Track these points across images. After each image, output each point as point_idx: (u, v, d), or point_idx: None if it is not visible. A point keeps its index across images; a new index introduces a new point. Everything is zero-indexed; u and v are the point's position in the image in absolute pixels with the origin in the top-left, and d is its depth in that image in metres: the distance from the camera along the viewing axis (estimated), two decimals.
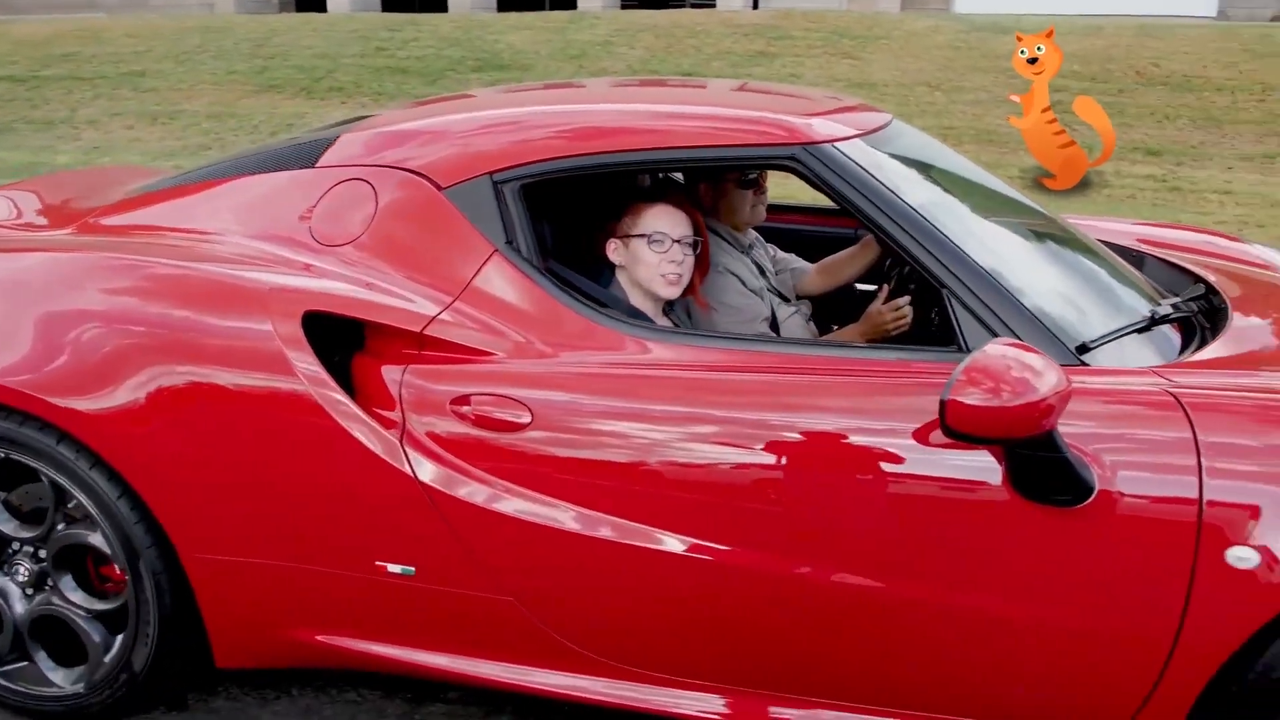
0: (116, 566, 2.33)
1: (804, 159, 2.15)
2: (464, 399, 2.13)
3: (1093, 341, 2.02)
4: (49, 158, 9.47)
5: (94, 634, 2.37)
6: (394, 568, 2.20)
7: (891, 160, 2.27)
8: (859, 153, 2.20)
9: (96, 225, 2.60)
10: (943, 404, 1.78)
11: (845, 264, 3.12)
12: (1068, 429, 1.84)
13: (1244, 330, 2.27)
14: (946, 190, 2.43)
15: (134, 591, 2.30)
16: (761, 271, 2.88)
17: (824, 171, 2.14)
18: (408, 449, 2.14)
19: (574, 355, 2.16)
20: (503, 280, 2.22)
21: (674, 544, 2.05)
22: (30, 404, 2.22)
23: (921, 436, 1.93)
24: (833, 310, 3.09)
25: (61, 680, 2.42)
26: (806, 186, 2.20)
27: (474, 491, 2.11)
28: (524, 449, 2.10)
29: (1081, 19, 12.95)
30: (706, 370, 2.11)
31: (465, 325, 2.19)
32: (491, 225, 2.25)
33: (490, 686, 2.28)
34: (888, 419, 1.97)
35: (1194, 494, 1.82)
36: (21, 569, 2.42)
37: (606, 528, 2.07)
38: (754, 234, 2.99)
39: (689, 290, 2.50)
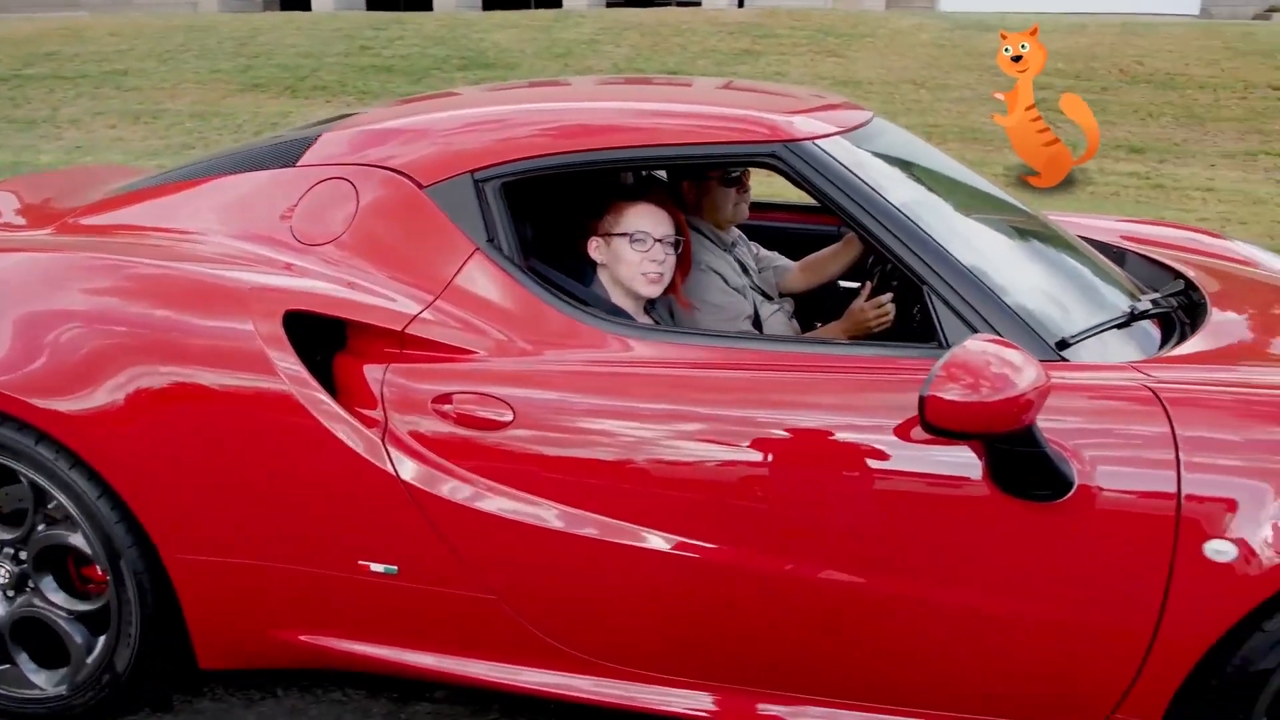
0: (98, 567, 2.32)
1: (784, 156, 2.16)
2: (446, 397, 2.13)
3: (1073, 337, 2.04)
4: (31, 157, 9.42)
5: (76, 635, 2.36)
6: (377, 567, 2.19)
7: (872, 157, 2.28)
8: (840, 150, 2.20)
9: (76, 225, 2.59)
10: (922, 400, 1.79)
11: (828, 261, 3.13)
12: (1047, 424, 1.85)
13: (1222, 325, 2.28)
14: (927, 187, 2.44)
15: (115, 592, 2.30)
16: (744, 269, 2.88)
17: (804, 169, 2.15)
18: (390, 448, 2.14)
19: (556, 353, 2.16)
20: (484, 278, 2.22)
21: (658, 541, 2.05)
22: (8, 404, 2.21)
23: (903, 432, 1.94)
24: (815, 308, 3.10)
25: (44, 682, 2.41)
26: (792, 185, 2.21)
27: (456, 490, 2.11)
28: (506, 447, 2.10)
29: (1065, 17, 13.01)
30: (689, 368, 2.11)
31: (447, 324, 2.19)
32: (473, 224, 2.24)
33: (478, 686, 2.28)
34: (870, 415, 1.98)
35: (1172, 488, 1.83)
36: (2, 571, 2.40)
37: (589, 526, 2.07)
38: (737, 232, 3.00)
39: (670, 289, 2.50)
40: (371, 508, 2.15)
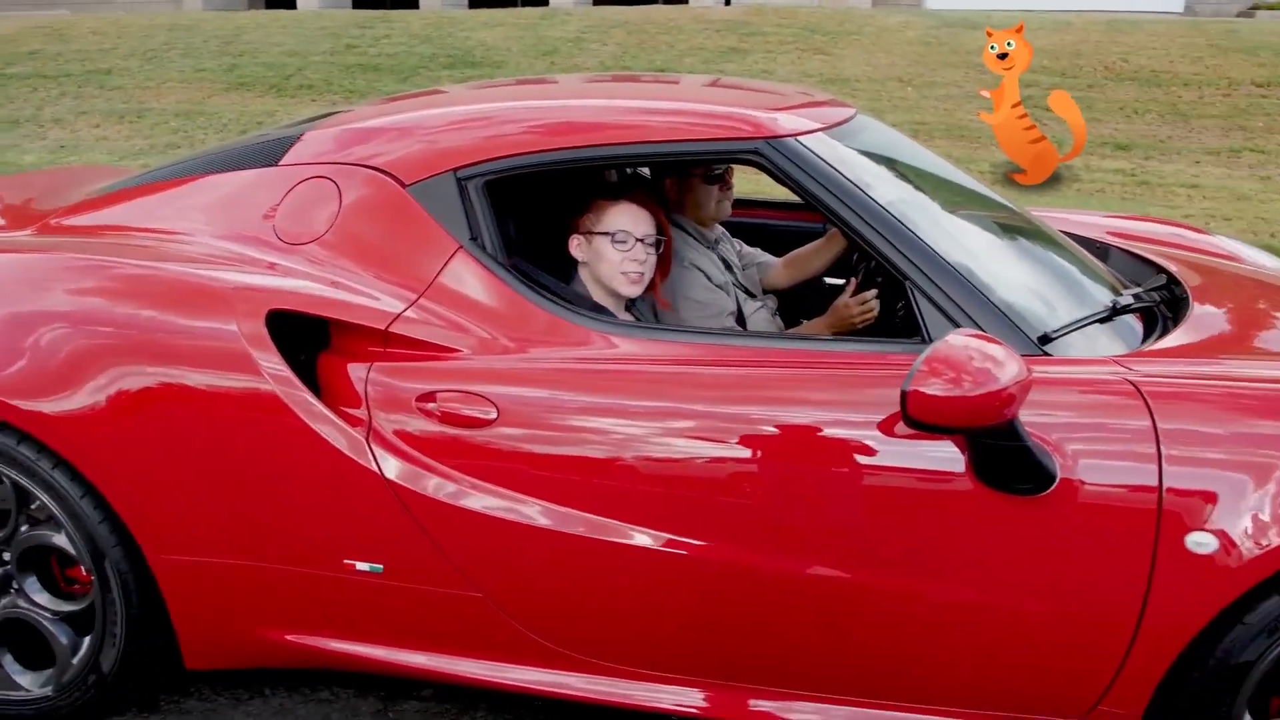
0: (82, 568, 2.31)
1: (767, 153, 2.16)
2: (430, 396, 2.13)
3: (1055, 332, 2.04)
4: (15, 157, 9.37)
5: (61, 636, 2.35)
6: (362, 565, 2.19)
7: (855, 153, 2.28)
8: (822, 146, 2.21)
9: (58, 226, 2.58)
10: (904, 395, 1.79)
11: (811, 257, 3.13)
12: (1029, 418, 1.86)
13: (1204, 319, 2.29)
14: (909, 183, 2.44)
15: (100, 593, 2.29)
16: (727, 266, 2.88)
17: (787, 165, 2.15)
18: (374, 446, 2.13)
19: (540, 351, 2.16)
20: (467, 276, 2.22)
21: (643, 539, 2.06)
22: None
23: (887, 428, 1.94)
24: (799, 304, 3.10)
25: (29, 684, 2.40)
26: (775, 182, 2.21)
27: (441, 488, 2.11)
28: (490, 445, 2.10)
29: (1051, 14, 13.03)
30: (673, 365, 2.12)
31: (430, 322, 2.19)
32: (455, 222, 2.24)
33: (467, 684, 2.28)
34: (854, 411, 1.99)
35: (1154, 481, 1.85)
36: None
37: (575, 523, 2.08)
38: (720, 229, 3.00)
39: (649, 288, 2.50)
40: (356, 507, 2.15)
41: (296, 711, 2.47)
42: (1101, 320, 2.17)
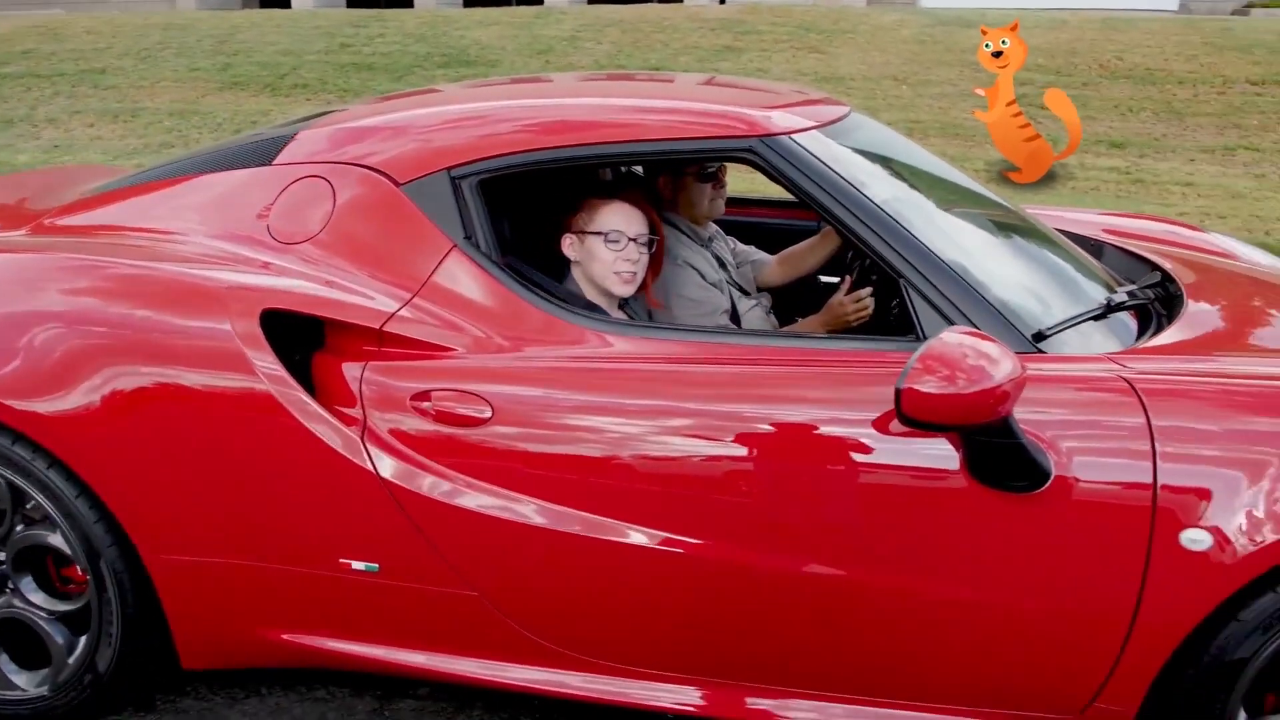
0: (78, 567, 2.31)
1: (761, 151, 2.16)
2: (425, 395, 2.13)
3: (1049, 329, 2.05)
4: (9, 157, 9.35)
5: (57, 636, 2.35)
6: (358, 565, 2.19)
7: (848, 151, 2.28)
8: (816, 144, 2.21)
9: (52, 226, 2.58)
10: (898, 392, 1.80)
11: (805, 255, 3.13)
12: (1024, 415, 1.86)
13: (1198, 316, 2.30)
14: (903, 180, 2.44)
15: (96, 592, 2.29)
16: (722, 264, 2.88)
17: (781, 163, 2.15)
18: (369, 446, 2.13)
19: (535, 350, 2.16)
20: (462, 275, 2.21)
21: (638, 537, 2.06)
22: None
23: (882, 426, 1.95)
24: (793, 303, 3.10)
25: (25, 683, 2.40)
26: (769, 180, 2.21)
27: (436, 487, 2.11)
28: (485, 444, 2.10)
29: (1046, 13, 13.04)
30: (669, 363, 2.12)
31: (425, 321, 2.19)
32: (449, 221, 2.24)
33: (466, 683, 2.28)
34: (849, 409, 1.99)
35: (1148, 478, 1.85)
36: None
37: (570, 522, 2.08)
38: (714, 227, 3.00)
39: (641, 288, 2.50)
40: (351, 506, 2.15)
41: (293, 710, 2.47)
42: (1096, 317, 2.18)
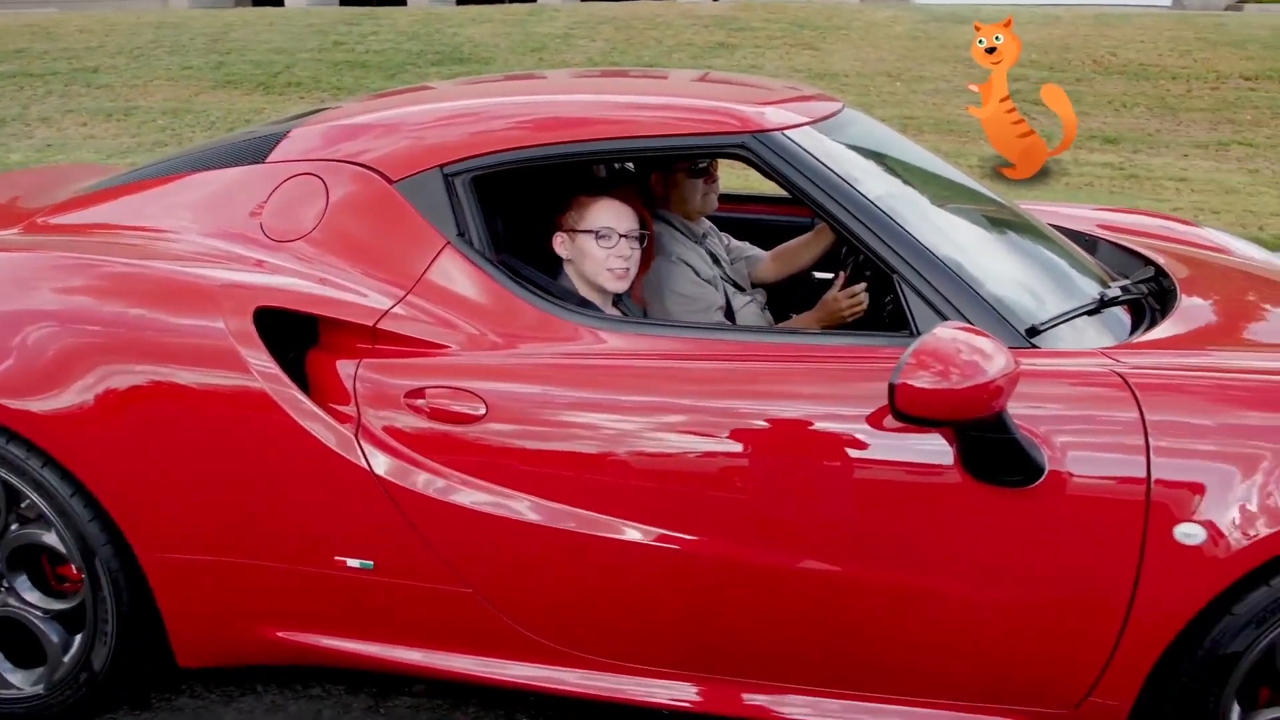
0: (73, 566, 2.31)
1: (753, 147, 2.16)
2: (419, 392, 2.13)
3: (1043, 324, 2.05)
4: (1, 156, 9.32)
5: (52, 634, 2.35)
6: (353, 562, 2.19)
7: (842, 147, 2.29)
8: (809, 140, 2.21)
9: (45, 224, 2.57)
10: (892, 388, 1.80)
11: (799, 251, 3.13)
12: (1017, 410, 1.87)
13: (1191, 311, 2.30)
14: (895, 176, 2.44)
15: (91, 591, 2.29)
16: (715, 260, 2.88)
17: (774, 159, 2.15)
18: (363, 443, 2.13)
19: (529, 346, 2.16)
20: (455, 273, 2.21)
21: (633, 534, 2.06)
22: None
23: (876, 421, 1.95)
24: (787, 299, 3.11)
25: (20, 682, 2.40)
26: (762, 176, 2.21)
27: (430, 484, 2.11)
28: (480, 441, 2.10)
29: (1039, 8, 13.05)
30: (663, 359, 2.12)
31: (418, 318, 2.19)
32: (443, 218, 2.24)
33: (459, 680, 2.28)
34: (844, 404, 1.99)
35: (1142, 473, 1.85)
36: None
37: (564, 519, 2.08)
38: (707, 223, 3.00)
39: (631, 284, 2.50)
40: (346, 503, 2.15)
41: (288, 708, 2.47)
42: (1089, 312, 2.18)
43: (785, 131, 2.20)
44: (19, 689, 2.39)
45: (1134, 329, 2.23)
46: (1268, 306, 2.51)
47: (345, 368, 2.18)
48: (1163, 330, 2.17)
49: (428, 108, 2.47)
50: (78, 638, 2.35)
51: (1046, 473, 1.87)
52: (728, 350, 2.12)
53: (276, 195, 2.34)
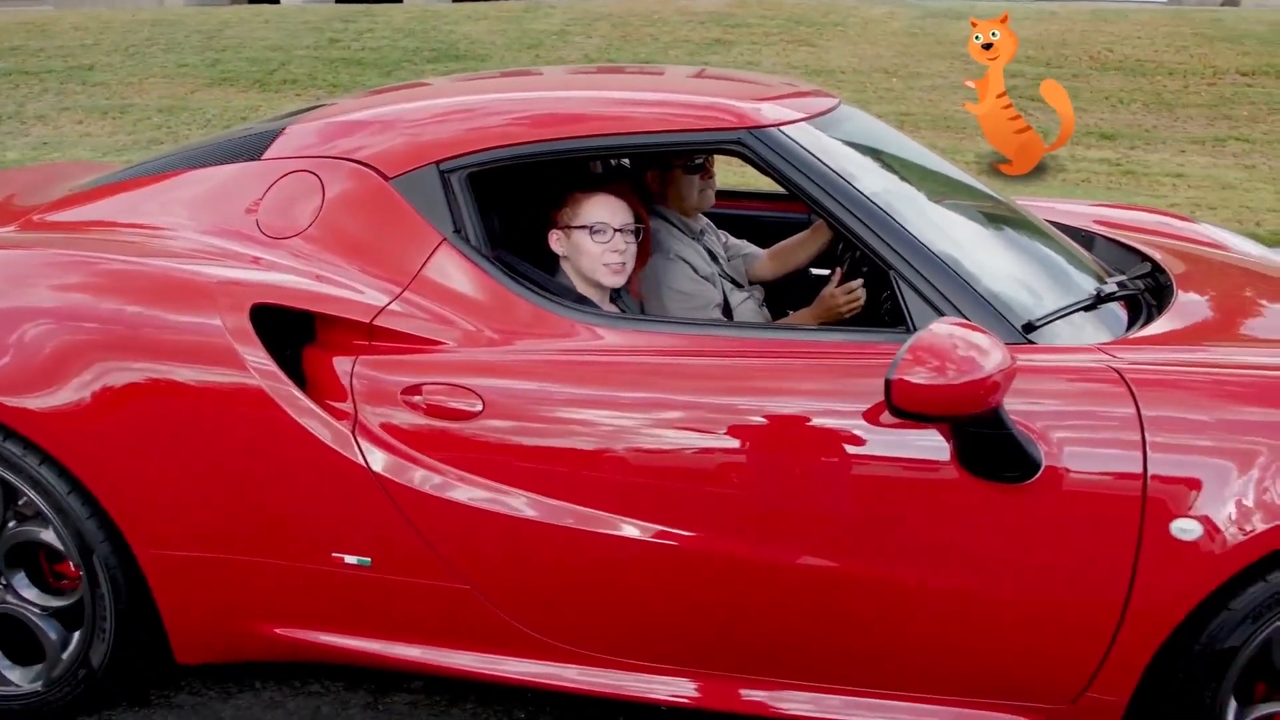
0: (70, 563, 2.31)
1: (750, 143, 2.16)
2: (415, 389, 2.13)
3: (1039, 320, 2.05)
4: None
5: (50, 631, 2.35)
6: (350, 559, 2.19)
7: (838, 143, 2.29)
8: (805, 136, 2.21)
9: (41, 222, 2.57)
10: (888, 383, 1.80)
11: (797, 248, 3.13)
12: (1014, 406, 1.87)
13: (1188, 306, 2.30)
14: (893, 172, 2.44)
15: (89, 588, 2.29)
16: (713, 257, 2.89)
17: (770, 155, 2.15)
18: (360, 440, 2.13)
19: (525, 343, 2.16)
20: (452, 269, 2.21)
21: (629, 529, 2.06)
22: None
23: (873, 417, 1.95)
24: (785, 295, 3.11)
25: (19, 679, 2.40)
26: (759, 172, 2.21)
27: (427, 481, 2.11)
28: (476, 437, 2.10)
29: (1036, 4, 13.05)
30: (660, 355, 2.12)
31: (415, 315, 2.19)
32: (439, 214, 2.24)
33: (457, 676, 2.28)
34: (841, 400, 1.99)
35: (1138, 468, 1.85)
36: None
37: (561, 515, 2.08)
38: (705, 220, 3.00)
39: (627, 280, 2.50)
40: (343, 500, 2.15)
41: (287, 705, 2.47)
42: (1086, 308, 2.18)
43: (781, 127, 2.20)
44: (17, 686, 2.39)
45: (1131, 325, 2.23)
46: (1264, 302, 2.51)
47: (342, 364, 2.18)
48: (1159, 326, 2.17)
49: (424, 104, 2.47)
50: (76, 635, 2.35)
51: (1043, 468, 1.87)
52: (725, 346, 2.12)
53: (272, 192, 2.34)
